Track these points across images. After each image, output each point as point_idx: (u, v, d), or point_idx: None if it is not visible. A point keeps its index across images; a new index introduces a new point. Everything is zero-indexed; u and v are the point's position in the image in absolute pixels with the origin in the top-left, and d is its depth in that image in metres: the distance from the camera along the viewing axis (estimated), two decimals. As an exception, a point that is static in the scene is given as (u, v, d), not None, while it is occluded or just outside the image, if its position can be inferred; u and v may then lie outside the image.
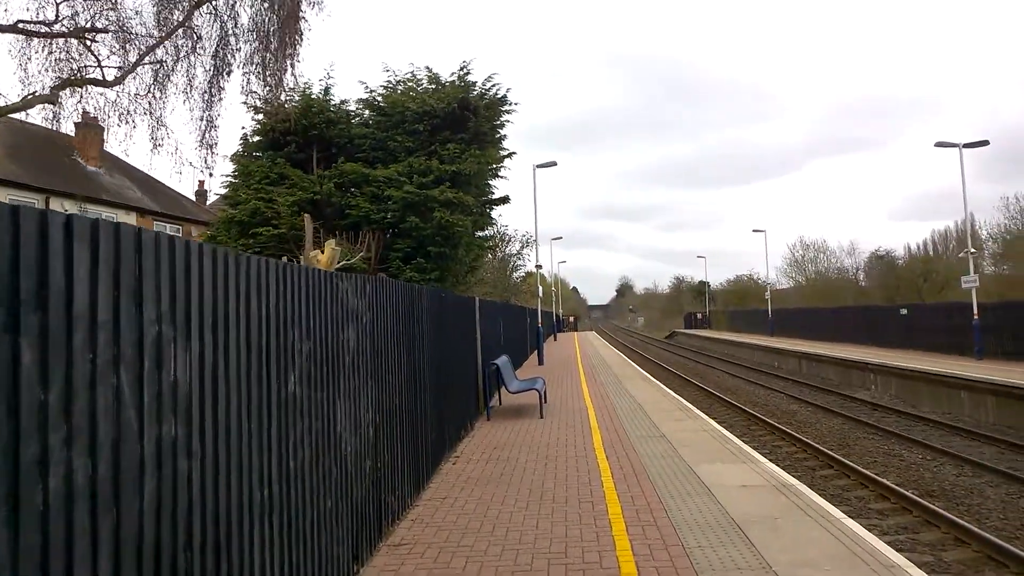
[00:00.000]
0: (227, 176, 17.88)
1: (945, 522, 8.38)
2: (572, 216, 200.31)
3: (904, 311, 29.83)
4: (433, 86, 18.29)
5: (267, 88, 12.09)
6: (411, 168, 16.79)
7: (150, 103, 12.23)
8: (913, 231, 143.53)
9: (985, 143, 23.62)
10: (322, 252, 11.04)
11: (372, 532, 4.76)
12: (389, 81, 18.68)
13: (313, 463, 3.61)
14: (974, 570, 6.99)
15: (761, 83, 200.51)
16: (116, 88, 12.09)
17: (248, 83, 12.63)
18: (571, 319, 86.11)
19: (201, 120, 12.51)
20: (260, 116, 17.48)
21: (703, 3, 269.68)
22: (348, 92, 22.82)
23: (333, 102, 18.20)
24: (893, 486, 10.04)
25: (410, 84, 18.53)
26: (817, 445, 13.17)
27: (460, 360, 9.65)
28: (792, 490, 6.08)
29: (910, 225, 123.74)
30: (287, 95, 13.30)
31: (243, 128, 17.89)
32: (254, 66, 11.89)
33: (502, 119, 18.69)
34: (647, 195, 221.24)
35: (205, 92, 12.15)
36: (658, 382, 17.80)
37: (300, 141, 17.28)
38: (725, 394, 21.50)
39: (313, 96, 17.82)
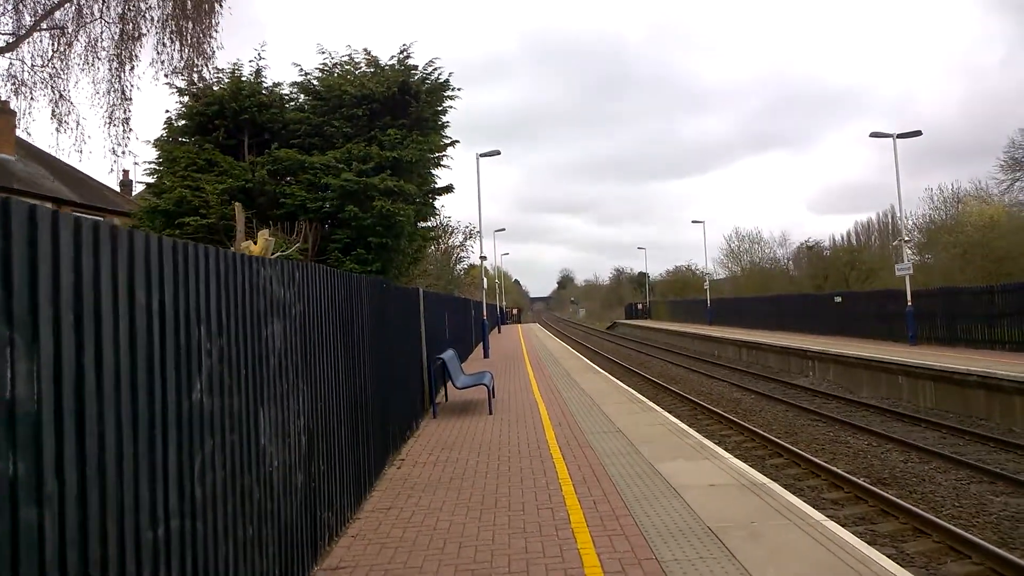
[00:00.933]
0: (151, 163, 16.65)
1: (902, 512, 8.26)
2: (512, 209, 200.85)
3: (838, 299, 30.54)
4: (372, 69, 17.44)
5: (186, 57, 10.95)
6: (350, 155, 15.97)
7: (50, 74, 10.88)
8: (834, 223, 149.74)
9: (918, 133, 24.24)
10: (255, 243, 10.27)
11: (305, 556, 4.13)
12: (325, 64, 17.75)
13: (228, 486, 2.98)
14: (937, 562, 6.83)
15: (692, 79, 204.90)
16: (9, 55, 10.74)
17: (164, 51, 11.32)
18: (515, 311, 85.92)
19: (109, 93, 11.20)
20: (185, 98, 16.32)
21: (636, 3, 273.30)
22: (282, 75, 21.76)
23: (265, 85, 17.14)
24: (845, 474, 9.96)
25: (348, 67, 17.63)
26: (765, 434, 13.11)
27: (404, 355, 9.02)
28: (763, 489, 5.72)
29: (831, 218, 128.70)
30: (212, 72, 12.08)
31: (167, 112, 16.64)
32: (168, 32, 10.66)
33: (445, 104, 17.97)
34: (584, 188, 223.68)
35: (113, 59, 10.87)
36: (606, 373, 17.54)
37: (230, 126, 16.19)
38: (671, 384, 21.48)
39: (243, 78, 16.73)
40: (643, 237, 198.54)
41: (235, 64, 16.90)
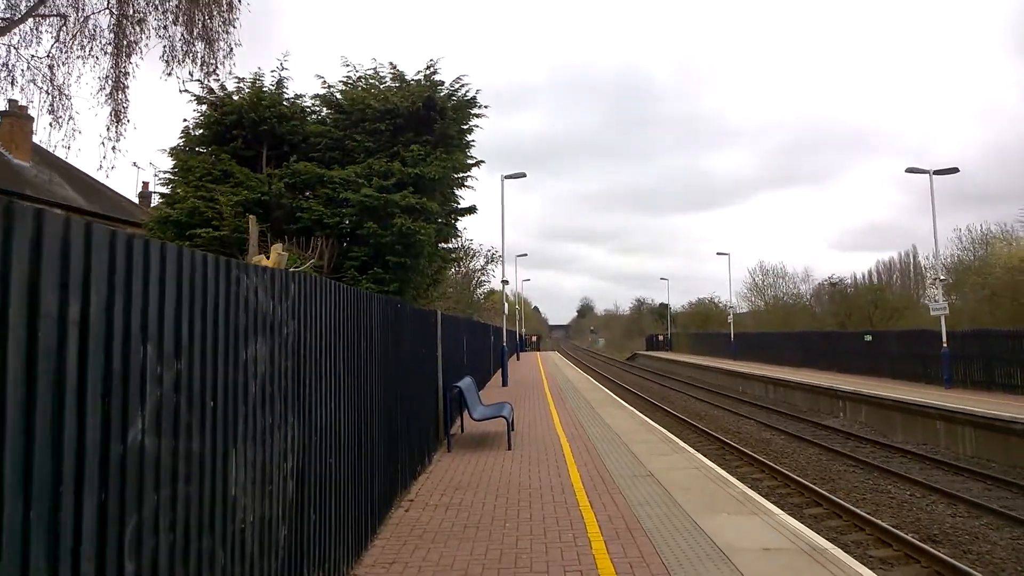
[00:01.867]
0: (165, 173, 16.26)
1: (958, 574, 7.42)
2: (533, 236, 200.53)
3: (868, 337, 29.46)
4: (397, 84, 17.01)
5: (199, 53, 10.36)
6: (371, 170, 15.46)
7: (50, 67, 10.24)
8: (855, 261, 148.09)
9: (955, 170, 23.40)
10: (267, 257, 9.75)
11: (287, 628, 3.42)
12: (349, 77, 17.35)
13: (179, 554, 2.29)
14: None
15: (716, 116, 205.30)
16: (2, 41, 10.17)
17: (170, 40, 10.60)
18: (534, 338, 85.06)
19: (106, 81, 10.51)
20: (203, 107, 15.95)
21: (668, 35, 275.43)
22: (304, 87, 21.43)
23: (287, 96, 16.75)
24: (893, 529, 9.12)
25: (372, 81, 17.22)
26: (801, 479, 12.27)
27: (418, 382, 8.32)
28: (828, 558, 4.89)
29: (852, 255, 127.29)
30: (228, 73, 11.43)
31: (185, 120, 16.31)
32: (176, 20, 9.98)
33: (471, 123, 17.46)
34: (605, 218, 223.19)
35: (109, 43, 10.24)
36: (631, 407, 16.68)
37: (248, 136, 15.78)
38: (696, 420, 20.61)
39: (264, 89, 16.37)
40: (664, 269, 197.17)
41: (256, 74, 16.55)
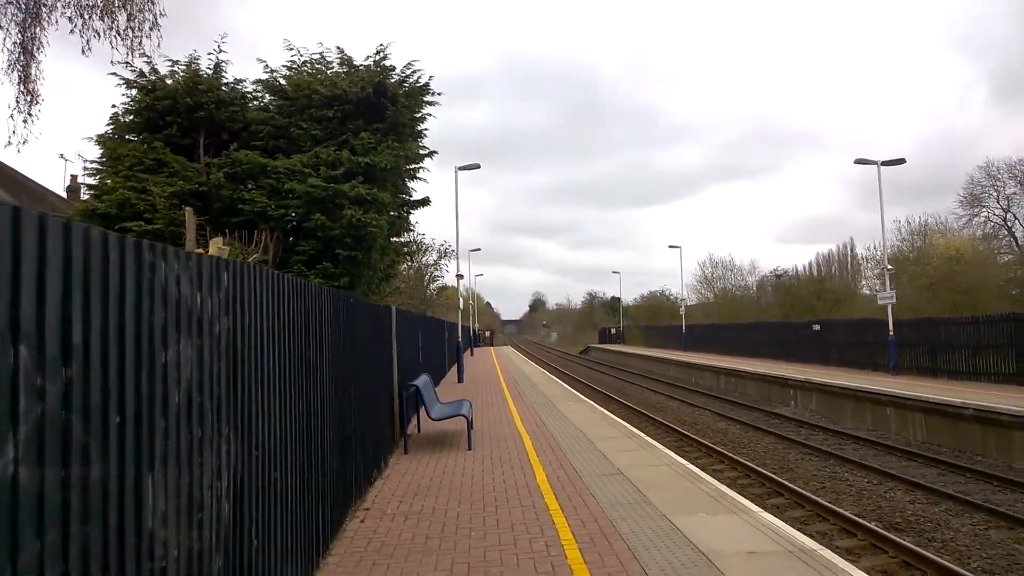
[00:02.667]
0: (93, 163, 15.18)
1: (931, 565, 7.32)
2: (485, 231, 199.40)
3: (817, 327, 30.00)
4: (345, 69, 16.31)
5: (117, 27, 9.44)
6: (318, 159, 14.75)
7: None
8: (797, 253, 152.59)
9: (902, 161, 23.93)
10: (206, 252, 9.04)
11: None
12: (293, 61, 16.54)
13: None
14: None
15: (667, 111, 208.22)
16: None
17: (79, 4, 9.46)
18: (487, 333, 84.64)
19: (16, 45, 9.42)
20: (133, 91, 14.92)
21: (618, 29, 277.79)
22: (245, 71, 20.38)
23: (226, 80, 15.84)
24: (856, 518, 9.04)
25: (318, 66, 16.45)
26: (760, 469, 12.20)
27: (373, 382, 7.79)
28: (818, 560, 4.61)
29: (794, 248, 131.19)
30: (154, 46, 10.38)
31: (113, 106, 15.20)
32: None
33: (424, 111, 16.84)
34: (558, 212, 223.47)
35: (18, 11, 9.21)
36: (590, 401, 16.43)
37: (183, 123, 14.83)
38: (653, 412, 20.55)
39: (201, 72, 15.43)
40: (616, 262, 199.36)
41: (192, 56, 15.57)
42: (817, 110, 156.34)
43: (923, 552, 7.65)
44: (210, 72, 15.60)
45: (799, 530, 8.35)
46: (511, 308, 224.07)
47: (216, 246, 10.26)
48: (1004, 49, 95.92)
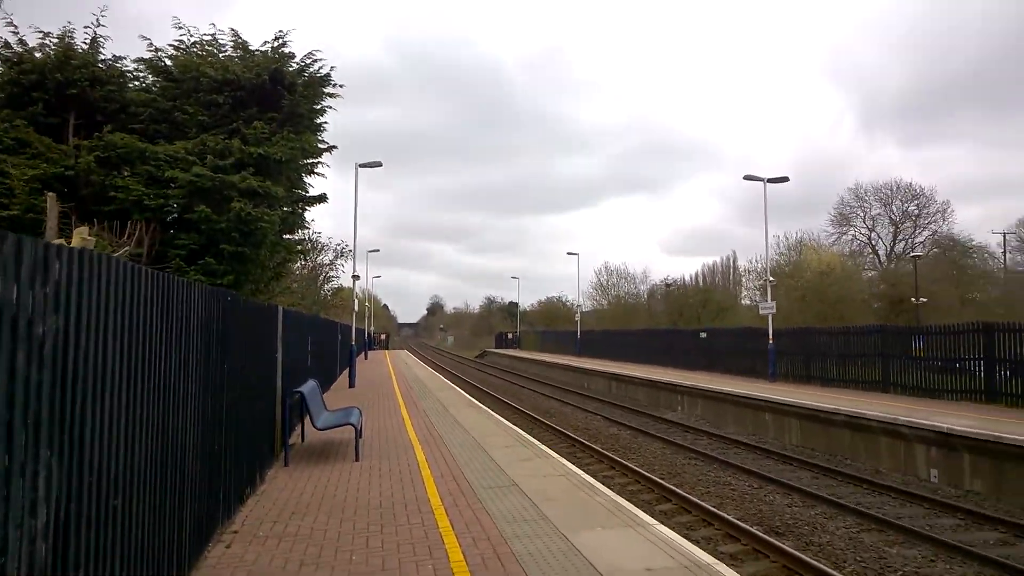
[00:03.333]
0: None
1: (809, 570, 7.60)
2: (383, 232, 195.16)
3: (703, 334, 31.30)
4: (240, 53, 15.38)
5: None
6: (205, 147, 13.78)
7: None
8: (684, 264, 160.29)
9: (786, 179, 25.37)
10: (67, 242, 8.13)
11: None
12: (182, 41, 15.42)
13: None
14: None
15: (568, 120, 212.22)
16: None
17: None
18: (383, 336, 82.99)
19: None
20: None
21: (522, 36, 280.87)
22: (126, 48, 18.79)
23: (103, 57, 14.54)
24: (739, 523, 9.30)
25: (210, 48, 15.41)
26: (650, 475, 12.43)
27: (252, 388, 7.22)
28: (711, 574, 4.58)
29: (681, 259, 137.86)
30: (29, 29, 9.42)
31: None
32: None
33: (324, 103, 16.12)
34: (459, 216, 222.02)
35: None
36: (486, 408, 16.23)
37: (52, 101, 13.46)
38: (546, 417, 20.64)
39: (75, 46, 14.08)
40: (515, 268, 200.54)
41: (65, 29, 14.19)
42: (705, 128, 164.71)
43: (802, 557, 7.90)
44: (86, 47, 14.26)
45: (687, 536, 8.50)
46: (408, 311, 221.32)
47: (80, 236, 9.29)
48: (871, 83, 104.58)
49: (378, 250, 50.13)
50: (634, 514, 6.25)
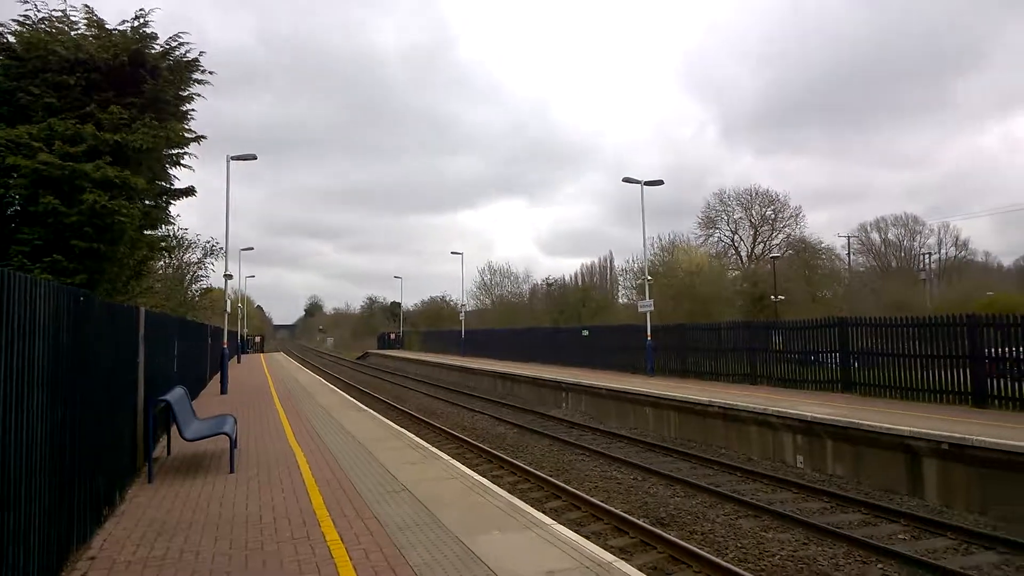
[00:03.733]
0: None
1: (694, 558, 7.83)
2: (258, 229, 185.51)
3: (586, 332, 32.09)
4: (95, 31, 13.94)
5: None
6: (52, 132, 12.35)
7: None
8: (563, 265, 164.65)
9: (660, 182, 26.51)
10: None
11: None
12: (28, 16, 13.79)
13: None
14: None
15: (451, 119, 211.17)
16: None
17: None
18: (258, 339, 79.07)
19: None
20: None
21: (406, 27, 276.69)
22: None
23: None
24: (627, 516, 9.49)
25: (60, 25, 13.88)
26: (539, 473, 12.47)
27: (108, 397, 6.46)
28: (614, 573, 4.51)
29: (560, 260, 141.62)
30: None
31: None
32: None
33: (191, 89, 14.92)
34: (339, 215, 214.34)
35: None
36: (370, 411, 15.70)
37: None
38: (432, 418, 20.36)
39: None
40: (399, 267, 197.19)
41: None
42: (583, 133, 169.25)
43: (688, 546, 8.14)
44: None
45: (576, 531, 8.53)
46: (285, 313, 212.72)
47: None
48: (731, 94, 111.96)
49: (252, 248, 47.63)
50: (530, 515, 6.14)
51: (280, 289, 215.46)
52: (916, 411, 13.40)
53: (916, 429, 10.94)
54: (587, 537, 8.67)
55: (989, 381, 13.93)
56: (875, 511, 9.94)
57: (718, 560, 7.64)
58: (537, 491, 11.59)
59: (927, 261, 63.75)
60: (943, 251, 67.29)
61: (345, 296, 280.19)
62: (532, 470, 12.73)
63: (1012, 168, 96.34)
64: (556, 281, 64.52)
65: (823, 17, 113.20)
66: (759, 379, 20.19)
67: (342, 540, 5.40)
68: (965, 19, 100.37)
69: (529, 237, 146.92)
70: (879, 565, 7.70)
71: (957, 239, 67.65)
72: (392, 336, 73.77)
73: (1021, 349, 13.66)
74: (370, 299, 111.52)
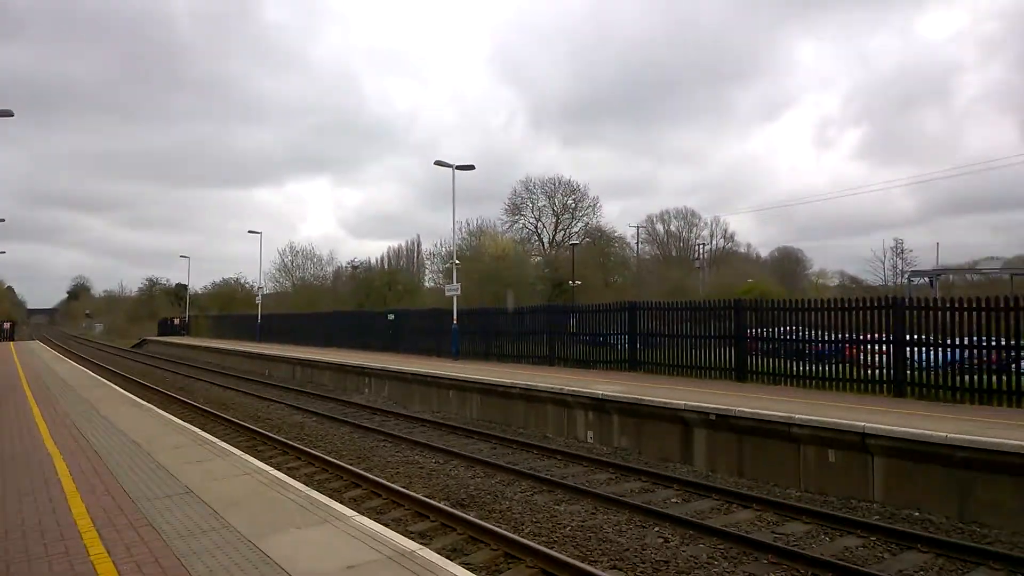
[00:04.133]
0: None
1: (492, 536, 8.03)
2: (11, 201, 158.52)
3: (391, 316, 31.78)
4: None
5: None
6: None
7: None
8: (370, 247, 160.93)
9: (472, 167, 26.78)
10: None
11: None
12: None
13: None
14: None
15: (246, 85, 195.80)
16: None
17: None
18: (6, 326, 68.34)
19: None
20: None
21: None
22: None
23: None
24: (427, 500, 9.52)
25: None
26: (337, 461, 12.11)
27: None
28: (417, 560, 4.38)
29: (367, 242, 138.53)
30: None
31: None
32: None
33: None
34: (112, 186, 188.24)
35: None
36: (150, 405, 14.16)
37: None
38: (222, 411, 18.94)
39: None
40: (185, 246, 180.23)
41: None
42: (393, 112, 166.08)
43: (485, 525, 8.31)
44: None
45: (377, 520, 8.38)
46: (43, 295, 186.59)
47: None
48: (540, 85, 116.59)
49: (3, 220, 40.93)
50: (329, 507, 5.86)
51: (38, 268, 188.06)
52: (691, 386, 14.90)
53: (689, 403, 12.14)
54: (388, 525, 8.55)
55: (749, 358, 15.87)
56: (653, 479, 10.89)
57: (514, 536, 7.89)
58: (336, 480, 11.25)
59: (701, 251, 71.50)
60: (714, 242, 75.94)
61: (119, 277, 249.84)
62: (331, 459, 12.32)
63: (771, 170, 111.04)
64: (362, 264, 63.13)
65: (622, 16, 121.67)
66: (557, 361, 21.27)
67: (109, 554, 4.75)
68: (741, 33, 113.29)
69: (335, 217, 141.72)
70: (656, 528, 8.41)
71: (726, 232, 76.75)
72: (176, 321, 67.54)
73: (774, 330, 15.76)
74: (150, 280, 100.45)
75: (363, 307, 47.41)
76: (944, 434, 8.83)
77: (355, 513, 5.78)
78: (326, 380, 26.43)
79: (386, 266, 61.59)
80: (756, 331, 16.16)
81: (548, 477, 10.89)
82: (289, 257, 66.22)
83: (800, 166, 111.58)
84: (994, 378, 11.75)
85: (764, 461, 10.88)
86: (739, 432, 11.26)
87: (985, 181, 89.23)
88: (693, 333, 17.37)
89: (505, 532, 8.07)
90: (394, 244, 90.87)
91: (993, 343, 11.86)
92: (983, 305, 12.14)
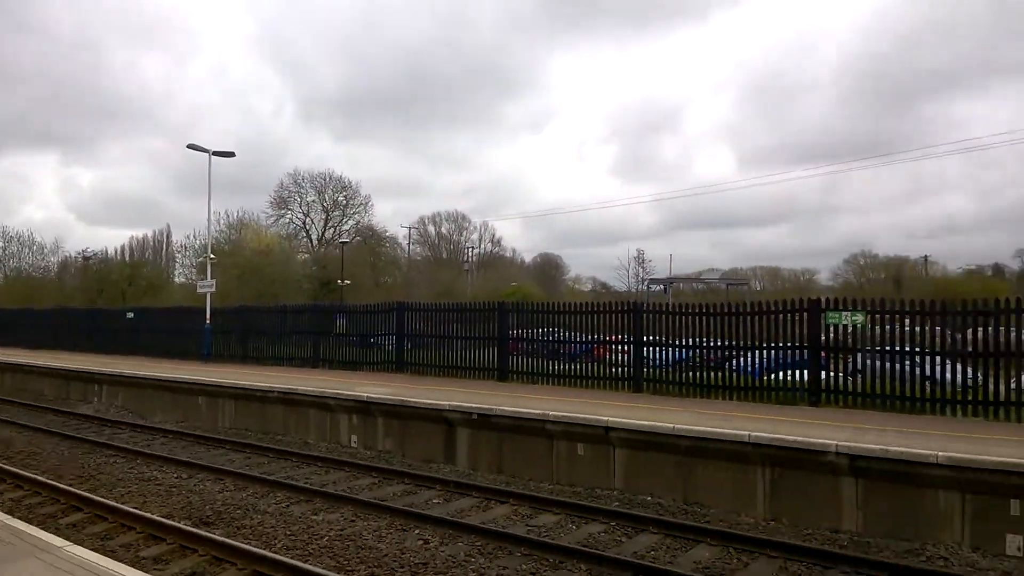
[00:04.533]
0: None
1: (238, 555, 7.42)
2: None
3: (131, 315, 28.27)
4: None
5: None
6: None
7: None
8: (110, 237, 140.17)
9: (232, 154, 24.78)
10: None
11: None
12: None
13: None
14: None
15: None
16: None
17: None
18: None
19: None
20: None
21: None
22: None
23: None
24: (164, 520, 8.56)
25: None
26: (54, 483, 10.45)
27: None
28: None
29: (105, 231, 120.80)
30: None
31: None
32: None
33: None
34: None
35: None
36: None
37: None
38: None
39: None
40: None
41: None
42: (139, 86, 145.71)
43: (232, 543, 7.68)
44: None
45: (99, 549, 7.32)
46: None
47: None
48: (310, 75, 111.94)
49: None
50: (36, 538, 4.91)
51: None
52: (457, 386, 15.17)
53: (453, 403, 12.32)
54: (113, 553, 7.55)
55: (511, 358, 16.57)
56: (416, 480, 10.88)
57: (264, 552, 7.36)
58: (51, 505, 9.71)
59: (470, 254, 73.72)
60: (483, 246, 78.69)
61: None
62: (46, 479, 10.59)
63: (536, 179, 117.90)
64: (97, 254, 55.38)
65: (394, 15, 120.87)
66: (322, 363, 20.46)
67: None
68: (514, 47, 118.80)
69: (63, 201, 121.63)
70: (416, 531, 8.37)
71: (493, 236, 79.86)
72: None
73: (534, 331, 16.65)
74: None
75: (95, 303, 41.66)
76: (671, 425, 9.91)
77: (66, 542, 4.92)
78: (45, 388, 22.84)
79: (128, 258, 54.79)
80: (518, 332, 16.95)
81: (306, 486, 10.38)
82: (2, 244, 56.08)
83: (562, 178, 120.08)
84: (713, 375, 13.50)
85: (522, 457, 11.38)
86: (499, 430, 11.66)
87: (709, 201, 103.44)
88: (460, 334, 17.73)
89: (254, 549, 7.50)
90: (139, 234, 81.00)
91: (713, 344, 13.63)
92: (704, 310, 13.94)
